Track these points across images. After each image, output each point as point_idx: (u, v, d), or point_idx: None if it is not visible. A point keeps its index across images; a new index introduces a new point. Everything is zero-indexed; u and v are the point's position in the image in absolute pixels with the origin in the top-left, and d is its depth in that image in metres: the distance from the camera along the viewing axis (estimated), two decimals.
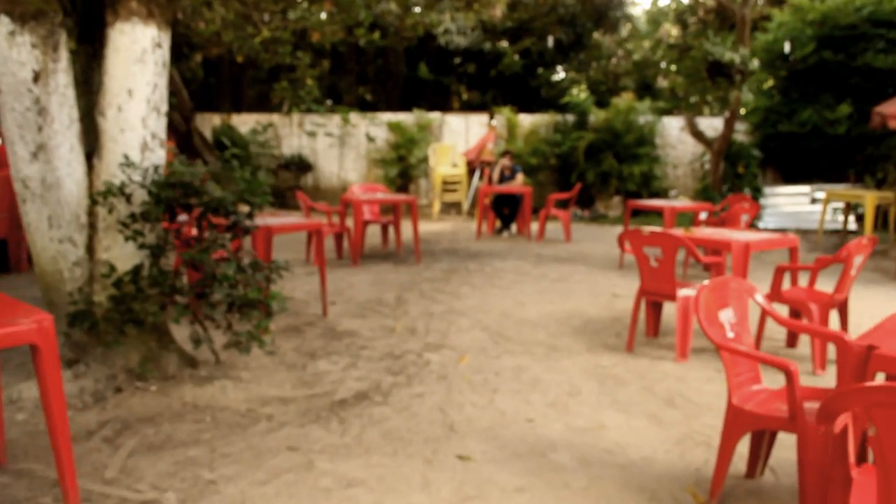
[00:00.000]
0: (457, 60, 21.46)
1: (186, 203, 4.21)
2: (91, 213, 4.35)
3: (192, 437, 3.86)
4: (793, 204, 13.51)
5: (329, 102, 19.02)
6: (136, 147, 4.32)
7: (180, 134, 14.03)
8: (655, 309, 5.70)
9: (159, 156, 4.44)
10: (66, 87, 4.14)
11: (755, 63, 8.28)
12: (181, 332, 4.90)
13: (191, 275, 4.78)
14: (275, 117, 16.60)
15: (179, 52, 19.14)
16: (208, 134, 16.19)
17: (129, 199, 4.19)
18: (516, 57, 22.45)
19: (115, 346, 4.30)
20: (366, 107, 19.18)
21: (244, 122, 16.61)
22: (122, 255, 4.38)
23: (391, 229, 10.46)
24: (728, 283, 3.21)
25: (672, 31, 26.86)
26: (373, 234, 11.32)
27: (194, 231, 4.56)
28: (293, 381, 4.74)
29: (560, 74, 25.69)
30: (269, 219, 6.45)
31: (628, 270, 8.80)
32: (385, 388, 4.60)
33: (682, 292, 5.15)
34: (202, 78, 20.34)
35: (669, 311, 6.22)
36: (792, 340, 5.60)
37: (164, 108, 4.47)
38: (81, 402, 4.21)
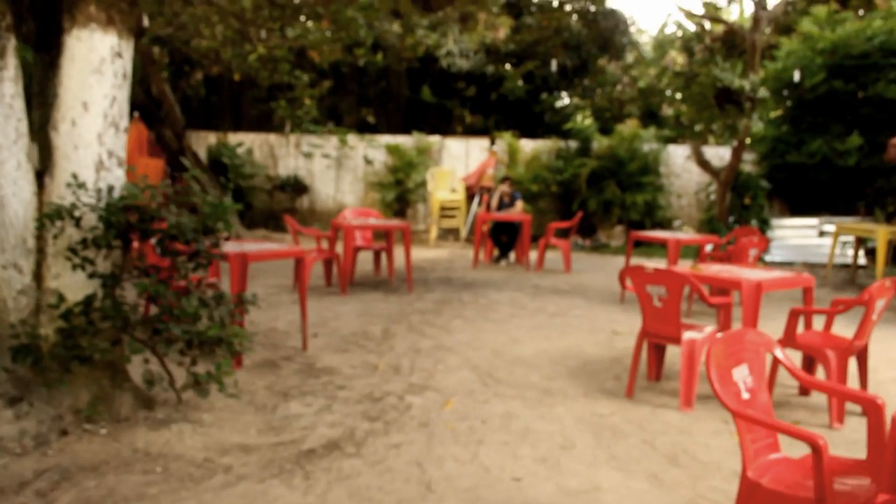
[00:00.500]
0: (460, 84, 21.18)
1: (144, 229, 3.82)
2: (40, 237, 3.96)
3: (137, 492, 3.43)
4: (800, 237, 13.11)
5: (332, 124, 18.72)
6: (91, 165, 3.93)
7: (172, 152, 13.70)
8: (658, 351, 5.28)
9: (116, 176, 4.05)
10: (14, 97, 3.76)
11: (765, 91, 7.91)
12: (139, 370, 4.48)
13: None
14: (272, 137, 16.28)
15: (180, 70, 18.86)
16: (203, 153, 15.85)
17: (78, 222, 3.80)
18: (520, 82, 22.20)
19: (59, 385, 3.89)
20: (367, 129, 18.85)
21: (240, 142, 16.27)
22: (74, 283, 3.98)
23: (384, 256, 10.05)
24: (743, 337, 2.79)
25: (678, 58, 26.64)
26: (365, 260, 10.92)
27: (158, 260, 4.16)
28: (260, 426, 4.31)
29: (564, 100, 25.42)
30: (247, 245, 6.06)
31: (630, 305, 8.38)
32: (359, 437, 4.17)
33: (688, 335, 4.74)
34: (204, 96, 20.02)
35: (673, 352, 5.79)
36: (805, 388, 5.17)
37: (124, 123, 4.09)
38: (20, 447, 3.79)
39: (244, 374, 5.33)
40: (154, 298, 3.90)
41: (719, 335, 2.74)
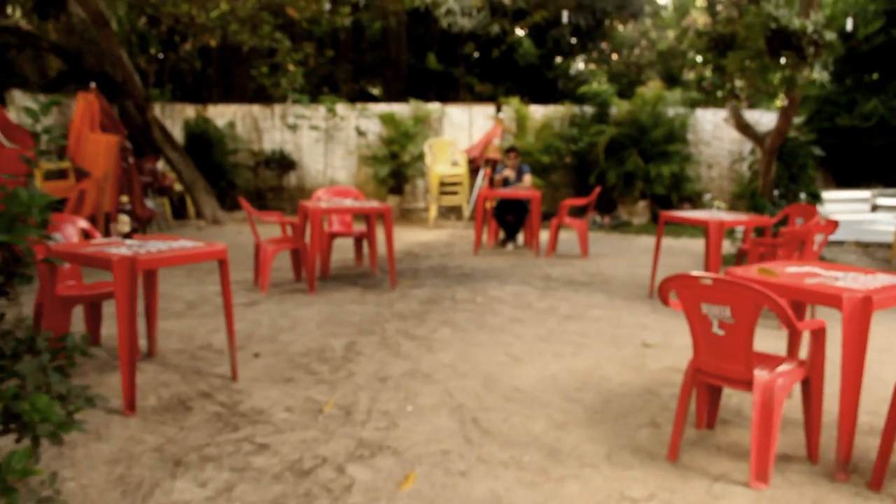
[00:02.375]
0: (467, 50, 19.46)
1: None
2: None
3: None
4: (850, 212, 11.46)
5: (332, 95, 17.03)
6: None
7: (137, 127, 12.18)
8: (712, 392, 3.73)
9: None
10: None
11: (831, 33, 6.25)
12: None
13: None
14: (255, 108, 14.74)
15: (171, 41, 17.29)
16: (179, 127, 14.36)
17: None
18: (532, 47, 20.56)
19: None
20: (366, 100, 17.21)
21: (221, 115, 14.76)
22: None
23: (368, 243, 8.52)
24: None
25: (700, 19, 24.84)
26: (346, 247, 9.41)
27: None
28: None
29: (579, 66, 23.90)
30: (152, 244, 4.52)
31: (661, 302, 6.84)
32: None
33: (763, 376, 3.19)
34: (200, 69, 18.31)
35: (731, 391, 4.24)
36: None
37: None
38: None
39: (136, 424, 3.85)
40: None
41: None
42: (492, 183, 9.83)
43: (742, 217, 6.79)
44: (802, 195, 9.05)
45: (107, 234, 10.55)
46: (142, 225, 11.00)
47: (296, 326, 5.87)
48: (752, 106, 18.85)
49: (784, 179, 8.80)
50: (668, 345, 5.44)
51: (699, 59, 25.36)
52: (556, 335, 5.70)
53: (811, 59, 6.39)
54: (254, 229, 7.30)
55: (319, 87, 17.79)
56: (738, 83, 23.05)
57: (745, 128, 8.64)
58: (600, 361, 5.04)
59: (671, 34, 25.85)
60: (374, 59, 19.86)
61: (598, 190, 9.74)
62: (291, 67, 13.76)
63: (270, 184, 14.65)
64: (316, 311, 6.38)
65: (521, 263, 8.97)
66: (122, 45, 14.83)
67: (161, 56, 16.81)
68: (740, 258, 7.39)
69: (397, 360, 4.99)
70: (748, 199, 8.75)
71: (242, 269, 8.22)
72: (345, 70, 19.12)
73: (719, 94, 14.26)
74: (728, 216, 6.83)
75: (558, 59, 22.29)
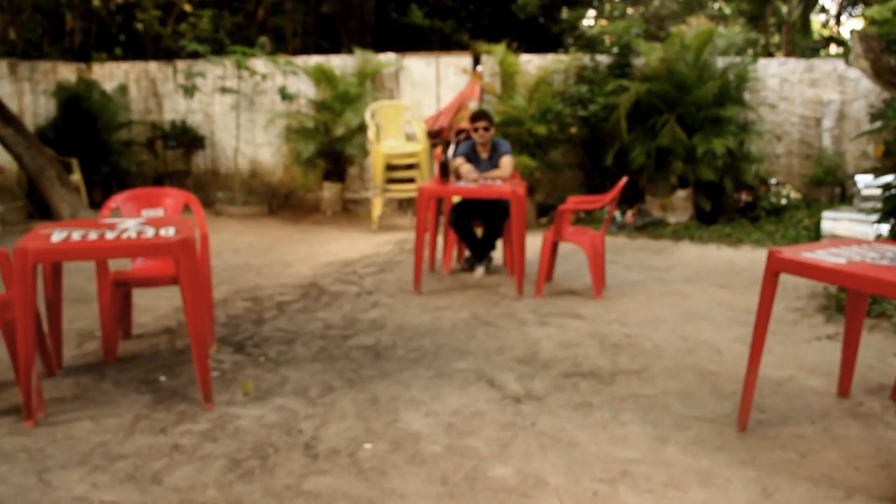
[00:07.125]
0: None
1: None
2: None
3: None
4: None
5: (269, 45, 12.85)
6: None
7: None
8: None
9: None
10: None
11: None
12: None
13: None
14: (152, 67, 10.90)
15: None
16: (47, 95, 10.58)
17: None
18: None
19: None
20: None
21: (111, 76, 10.96)
22: None
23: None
24: None
25: None
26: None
27: None
28: None
29: (589, 21, 20.42)
30: None
31: (768, 440, 3.01)
32: None
33: None
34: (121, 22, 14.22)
35: None
36: None
37: None
38: None
39: None
40: None
41: None
42: (445, 171, 5.96)
43: None
44: None
45: None
46: None
47: None
48: (790, 54, 14.97)
49: None
50: None
51: (728, 10, 21.51)
52: None
53: None
54: None
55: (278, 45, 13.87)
56: (775, 38, 18.55)
57: (890, 74, 4.72)
58: None
59: None
60: (333, 6, 15.87)
61: (622, 182, 5.88)
62: (187, 7, 9.86)
63: (174, 167, 10.87)
64: None
65: (488, 315, 5.15)
66: None
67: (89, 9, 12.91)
68: None
69: None
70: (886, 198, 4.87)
71: None
72: (294, 20, 15.10)
73: (749, 52, 10.21)
74: None
75: (564, 12, 18.76)
